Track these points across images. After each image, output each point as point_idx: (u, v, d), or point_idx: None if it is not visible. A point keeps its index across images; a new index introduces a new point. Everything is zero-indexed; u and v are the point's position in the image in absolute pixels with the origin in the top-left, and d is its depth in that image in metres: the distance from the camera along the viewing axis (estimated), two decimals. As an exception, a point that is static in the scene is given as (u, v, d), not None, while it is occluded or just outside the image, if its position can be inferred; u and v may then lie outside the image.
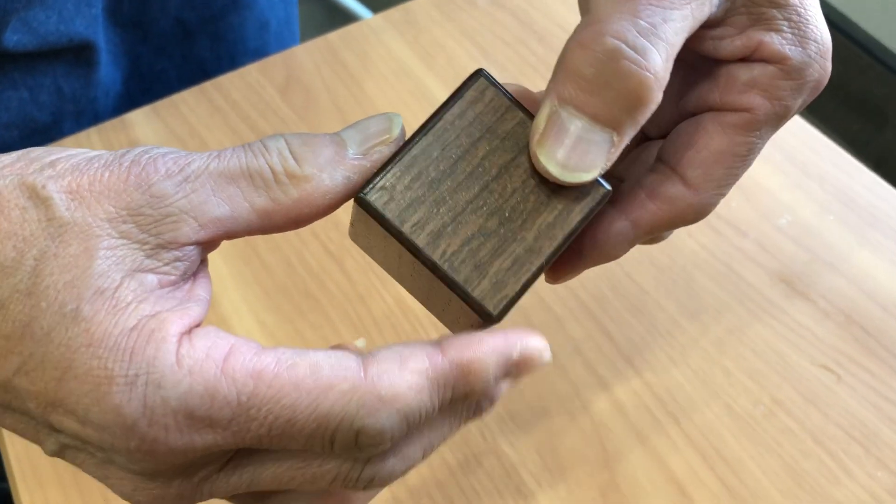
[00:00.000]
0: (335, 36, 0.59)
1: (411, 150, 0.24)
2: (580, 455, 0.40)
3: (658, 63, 0.23)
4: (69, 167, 0.22)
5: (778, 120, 0.27)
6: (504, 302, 0.23)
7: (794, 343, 0.43)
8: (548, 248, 0.24)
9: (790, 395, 0.41)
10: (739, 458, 0.39)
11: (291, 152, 0.24)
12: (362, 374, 0.22)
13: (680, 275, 0.46)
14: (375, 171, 0.24)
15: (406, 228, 0.23)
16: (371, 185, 0.24)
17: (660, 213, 0.27)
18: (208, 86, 0.56)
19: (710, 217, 0.48)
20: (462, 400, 0.23)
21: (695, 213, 0.27)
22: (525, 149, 0.24)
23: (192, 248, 0.23)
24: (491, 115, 0.24)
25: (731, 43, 0.27)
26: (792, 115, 0.27)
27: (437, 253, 0.23)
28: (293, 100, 0.55)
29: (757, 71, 0.26)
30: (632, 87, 0.23)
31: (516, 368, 0.23)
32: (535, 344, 0.23)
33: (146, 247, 0.22)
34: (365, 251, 0.27)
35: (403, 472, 0.24)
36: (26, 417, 0.22)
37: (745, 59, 0.27)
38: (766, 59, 0.26)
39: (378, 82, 0.56)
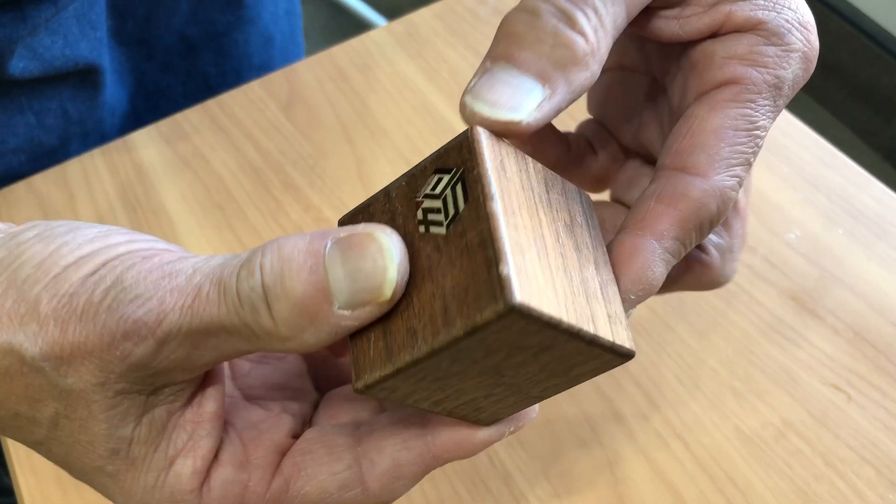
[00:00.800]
0: (338, 50, 0.59)
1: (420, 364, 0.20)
2: (589, 479, 0.40)
3: (585, 25, 0.22)
4: (51, 314, 0.22)
5: (771, 90, 0.24)
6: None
7: (804, 362, 0.43)
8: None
9: (800, 416, 0.41)
10: (749, 481, 0.39)
11: (269, 306, 0.20)
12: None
13: (688, 294, 0.45)
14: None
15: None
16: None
17: (676, 212, 0.24)
18: (211, 103, 0.56)
19: (718, 232, 0.48)
20: None
21: (716, 202, 0.24)
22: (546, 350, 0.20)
23: (188, 381, 0.23)
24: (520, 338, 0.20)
25: (698, 20, 0.25)
26: (787, 89, 0.25)
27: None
28: (296, 116, 0.55)
29: (733, 42, 0.25)
30: (560, 43, 0.22)
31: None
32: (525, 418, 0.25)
33: (144, 392, 0.23)
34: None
35: None
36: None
37: (717, 34, 0.25)
38: (739, 29, 0.25)
39: (381, 98, 0.56)
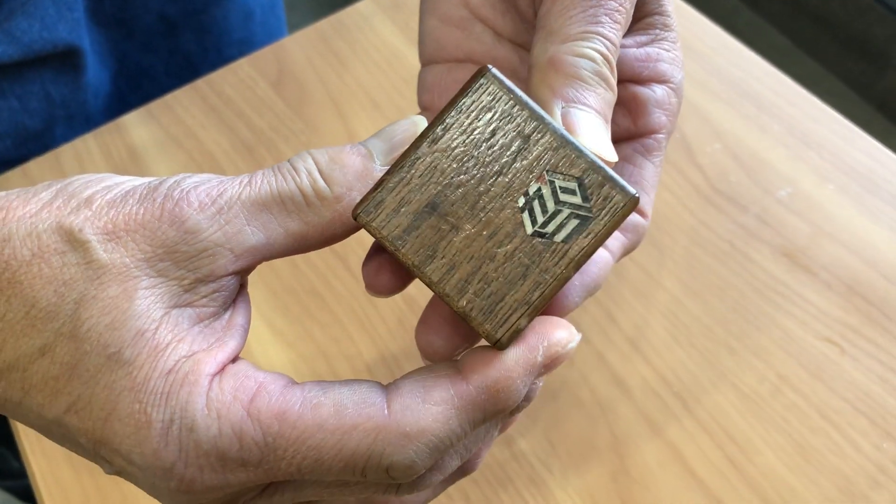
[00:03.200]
0: (325, 24, 0.59)
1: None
2: (589, 441, 0.40)
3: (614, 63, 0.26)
4: (105, 204, 0.23)
5: (667, 140, 0.30)
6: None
7: (798, 317, 0.43)
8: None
9: (795, 371, 0.42)
10: (747, 437, 0.40)
11: (320, 171, 0.24)
12: (386, 412, 0.22)
13: (682, 255, 0.46)
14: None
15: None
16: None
17: (620, 245, 0.29)
18: (201, 83, 0.56)
19: (711, 193, 0.48)
20: (494, 416, 0.23)
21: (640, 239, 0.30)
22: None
23: (229, 278, 0.23)
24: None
25: (630, 53, 0.29)
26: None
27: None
28: (287, 93, 0.55)
29: (658, 91, 0.29)
30: (609, 86, 0.25)
31: (545, 368, 0.23)
32: (557, 337, 0.23)
33: (184, 282, 0.23)
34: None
35: (442, 481, 0.25)
36: (80, 448, 0.24)
37: (637, 80, 0.29)
38: (656, 80, 0.29)
39: (371, 71, 0.56)
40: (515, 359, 0.23)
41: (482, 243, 0.23)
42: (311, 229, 0.24)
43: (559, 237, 0.22)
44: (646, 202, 0.29)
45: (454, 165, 0.23)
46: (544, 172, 0.22)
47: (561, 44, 0.26)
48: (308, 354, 0.44)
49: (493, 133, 0.23)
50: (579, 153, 0.23)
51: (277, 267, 0.47)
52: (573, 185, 0.22)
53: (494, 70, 0.23)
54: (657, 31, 0.29)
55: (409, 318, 0.45)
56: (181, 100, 0.55)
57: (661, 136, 0.29)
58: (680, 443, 0.40)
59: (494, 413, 0.23)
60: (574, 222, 0.22)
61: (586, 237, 0.22)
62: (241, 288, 0.25)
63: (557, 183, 0.22)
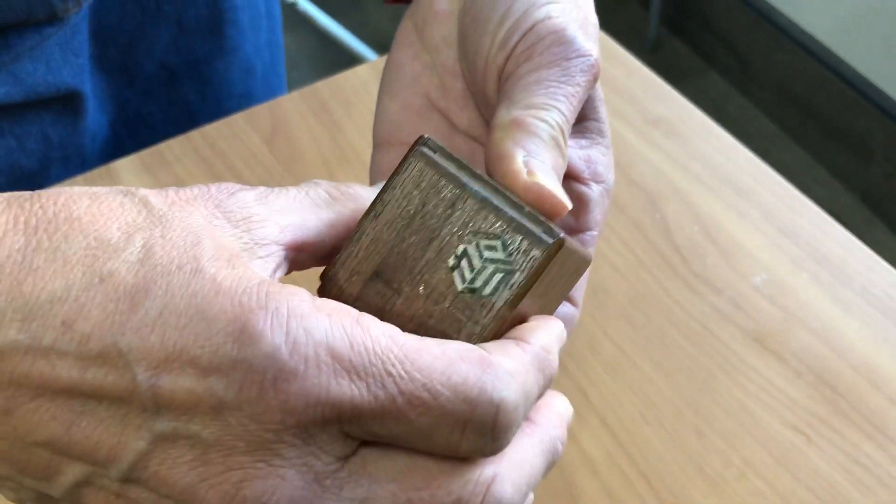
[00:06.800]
0: (323, 85, 0.60)
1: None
2: (554, 515, 0.40)
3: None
4: (152, 190, 0.24)
5: (598, 238, 0.32)
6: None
7: (767, 403, 0.44)
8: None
9: (761, 457, 0.42)
10: (710, 520, 0.40)
11: (337, 185, 0.27)
12: (484, 352, 0.22)
13: (655, 333, 0.47)
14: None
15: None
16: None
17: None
18: (195, 134, 0.57)
19: (687, 274, 0.49)
20: (548, 380, 0.24)
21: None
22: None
23: (278, 247, 0.24)
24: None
25: (572, 153, 0.31)
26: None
27: None
28: (279, 150, 0.56)
29: (596, 191, 0.31)
30: (562, 153, 0.28)
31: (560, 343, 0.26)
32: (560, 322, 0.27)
33: (241, 241, 0.23)
34: None
35: (523, 491, 0.23)
36: (115, 407, 0.20)
37: (579, 179, 0.31)
38: (595, 180, 0.31)
39: (364, 134, 0.57)
40: (550, 327, 0.25)
41: (421, 303, 0.25)
42: (338, 217, 0.26)
43: (486, 291, 0.24)
44: (578, 295, 0.31)
45: (393, 236, 0.25)
46: (469, 234, 0.25)
47: (524, 109, 0.28)
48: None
49: (424, 204, 0.25)
50: (499, 212, 0.25)
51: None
52: (495, 242, 0.24)
53: (423, 148, 0.25)
54: (594, 135, 0.32)
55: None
56: (174, 149, 0.56)
57: (595, 233, 0.31)
58: (643, 522, 0.40)
59: (549, 379, 0.24)
60: (499, 276, 0.24)
61: (510, 288, 0.24)
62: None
63: (481, 242, 0.25)
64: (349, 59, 1.73)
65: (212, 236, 0.22)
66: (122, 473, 0.20)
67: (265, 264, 0.23)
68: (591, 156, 0.31)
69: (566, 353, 0.45)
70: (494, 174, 0.27)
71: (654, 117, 0.57)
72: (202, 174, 0.55)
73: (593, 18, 0.32)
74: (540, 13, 0.30)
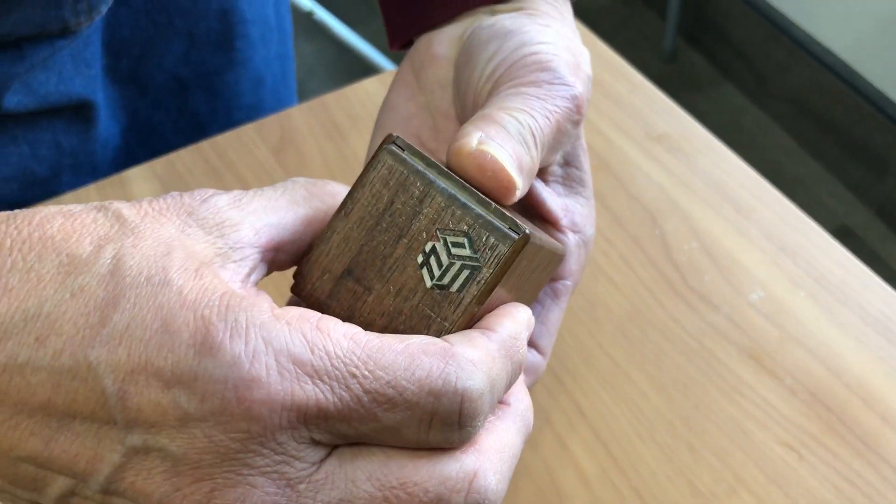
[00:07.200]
0: (331, 97, 0.61)
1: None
2: (545, 527, 0.41)
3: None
4: (125, 201, 0.24)
5: (573, 290, 0.32)
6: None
7: (760, 420, 0.44)
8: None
9: (753, 474, 0.42)
10: (700, 536, 0.40)
11: (315, 182, 0.27)
12: (447, 344, 0.23)
13: (651, 348, 0.47)
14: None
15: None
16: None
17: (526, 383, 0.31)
18: (205, 145, 0.58)
19: (685, 290, 0.50)
20: (516, 368, 0.25)
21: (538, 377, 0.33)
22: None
23: (253, 251, 0.24)
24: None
25: (550, 200, 0.32)
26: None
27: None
28: (287, 161, 0.57)
29: (572, 240, 0.32)
30: (528, 151, 0.29)
31: (529, 329, 0.27)
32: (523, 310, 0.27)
33: (214, 247, 0.23)
34: None
35: (505, 478, 0.24)
36: (88, 423, 0.21)
37: (556, 227, 0.32)
38: (571, 229, 0.32)
39: (368, 144, 0.58)
40: (519, 316, 0.26)
41: (391, 300, 0.25)
42: (315, 214, 0.26)
43: (454, 287, 0.25)
44: (546, 344, 0.32)
45: (364, 234, 0.25)
46: (436, 231, 0.25)
47: (495, 109, 0.28)
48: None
49: (392, 202, 0.25)
50: (465, 209, 0.25)
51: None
52: (462, 239, 0.25)
53: (391, 146, 0.26)
54: (574, 184, 0.32)
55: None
56: (184, 159, 0.57)
57: (568, 282, 0.32)
58: (633, 536, 0.40)
59: (518, 365, 0.25)
60: (466, 272, 0.25)
61: (477, 284, 0.25)
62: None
63: (448, 239, 0.25)
64: (366, 68, 1.74)
65: (183, 245, 0.23)
66: (101, 486, 0.21)
67: (238, 268, 0.23)
68: (570, 205, 0.32)
69: (561, 366, 0.46)
70: (448, 155, 0.27)
71: (658, 133, 0.58)
72: (211, 184, 0.56)
73: (586, 68, 0.32)
74: (529, 49, 0.30)
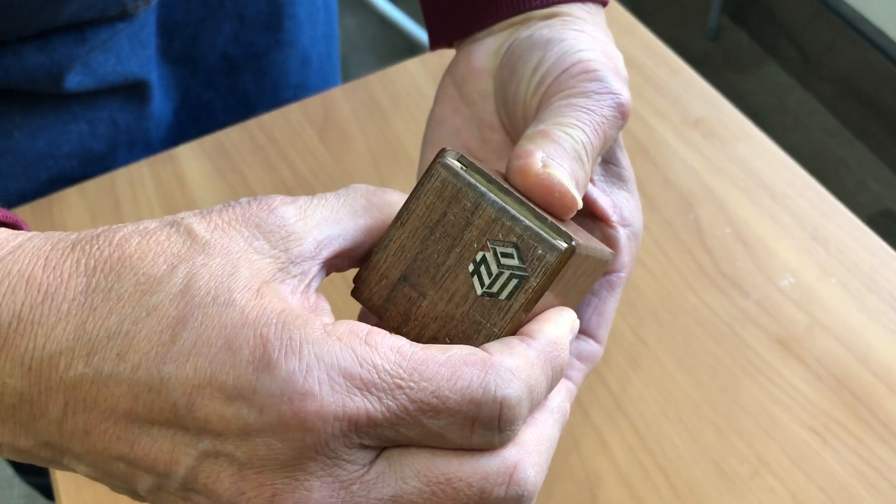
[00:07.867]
0: (374, 78, 0.63)
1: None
2: (570, 502, 0.43)
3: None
4: (197, 212, 0.26)
5: (626, 280, 0.34)
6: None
7: (786, 405, 0.45)
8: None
9: (776, 456, 0.44)
10: (722, 514, 0.42)
11: (374, 192, 0.29)
12: (486, 353, 0.24)
13: (680, 331, 0.48)
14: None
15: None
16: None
17: (581, 374, 0.33)
18: (252, 123, 0.60)
19: (716, 275, 0.51)
20: (557, 373, 0.26)
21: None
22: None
23: (314, 264, 0.26)
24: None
25: (600, 198, 0.33)
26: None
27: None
28: (330, 141, 0.59)
29: (623, 234, 0.33)
30: (582, 166, 0.30)
31: (573, 333, 0.28)
32: (567, 314, 0.28)
33: (278, 261, 0.25)
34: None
35: (543, 469, 0.25)
36: (164, 429, 0.23)
37: (607, 223, 0.33)
38: (622, 224, 0.33)
39: (411, 128, 0.59)
40: (561, 320, 0.27)
41: (444, 306, 0.27)
42: (374, 223, 0.28)
43: (503, 295, 0.26)
44: (603, 333, 0.33)
45: (418, 243, 0.27)
46: (487, 242, 0.26)
47: (551, 125, 0.30)
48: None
49: (445, 213, 0.27)
50: (515, 221, 0.26)
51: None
52: (511, 250, 0.26)
53: (445, 159, 0.27)
54: (615, 180, 0.34)
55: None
56: (232, 137, 0.59)
57: (623, 274, 0.33)
58: (657, 512, 0.42)
59: (559, 368, 0.26)
60: (514, 281, 0.26)
61: (525, 293, 0.26)
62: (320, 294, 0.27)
63: (498, 249, 0.26)
64: (408, 45, 1.75)
65: (249, 262, 0.24)
66: (180, 483, 0.23)
67: (298, 282, 0.25)
68: (617, 200, 0.33)
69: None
70: (511, 171, 0.29)
71: (695, 118, 0.58)
72: (257, 162, 0.58)
73: (623, 71, 0.33)
74: (572, 58, 0.32)
